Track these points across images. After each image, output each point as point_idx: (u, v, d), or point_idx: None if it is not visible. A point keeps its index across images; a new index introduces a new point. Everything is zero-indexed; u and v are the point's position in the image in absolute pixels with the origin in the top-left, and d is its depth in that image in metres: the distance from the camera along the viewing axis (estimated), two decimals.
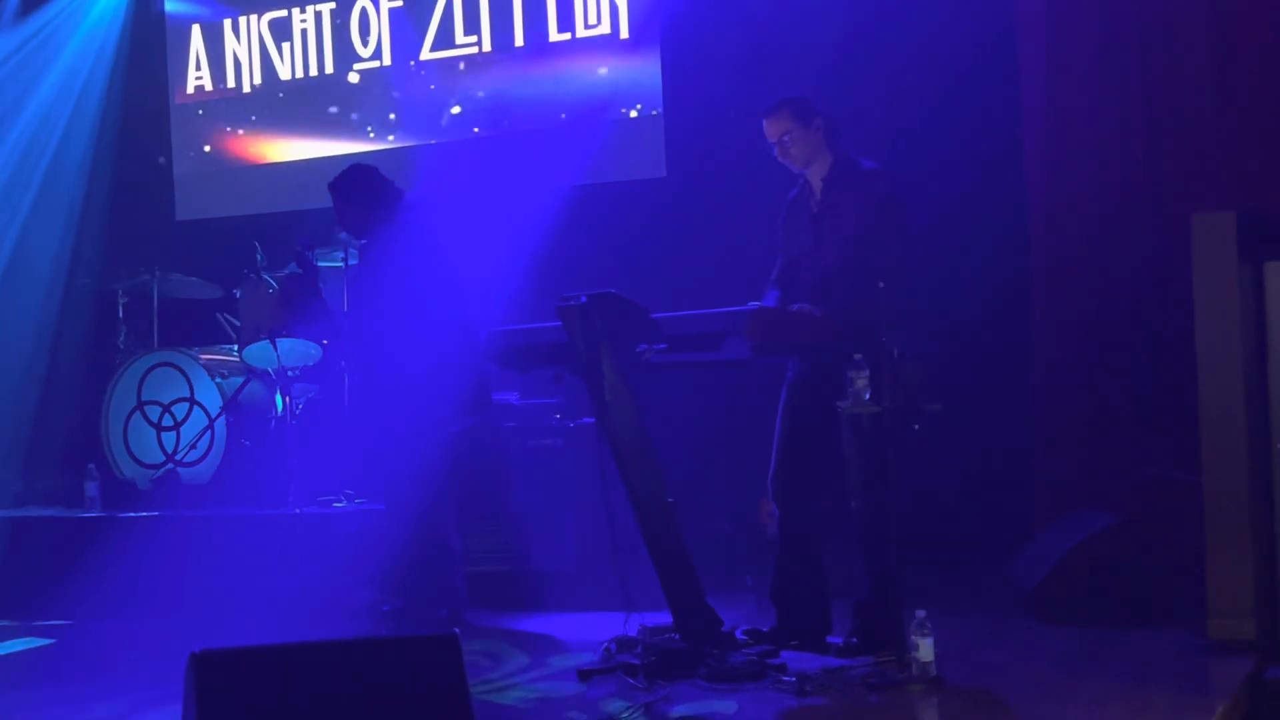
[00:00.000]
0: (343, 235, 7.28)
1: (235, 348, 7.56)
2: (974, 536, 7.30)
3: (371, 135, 8.88)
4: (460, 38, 8.61)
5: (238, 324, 7.49)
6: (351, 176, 6.41)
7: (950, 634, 5.14)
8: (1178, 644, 5.16)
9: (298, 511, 6.76)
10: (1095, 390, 6.66)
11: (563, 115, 8.34)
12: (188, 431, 7.39)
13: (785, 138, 5.38)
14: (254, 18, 9.24)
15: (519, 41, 8.47)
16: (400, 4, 8.79)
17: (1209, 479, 5.06)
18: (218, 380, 7.38)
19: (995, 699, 4.60)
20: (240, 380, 7.40)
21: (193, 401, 7.41)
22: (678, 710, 4.53)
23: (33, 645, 6.17)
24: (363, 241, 6.57)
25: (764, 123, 5.44)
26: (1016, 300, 7.04)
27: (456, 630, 3.61)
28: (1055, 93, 6.84)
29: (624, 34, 8.18)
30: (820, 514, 5.45)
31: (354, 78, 8.94)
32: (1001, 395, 7.26)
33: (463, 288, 6.26)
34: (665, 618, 5.34)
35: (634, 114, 8.15)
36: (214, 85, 9.39)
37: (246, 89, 9.29)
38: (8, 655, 6.00)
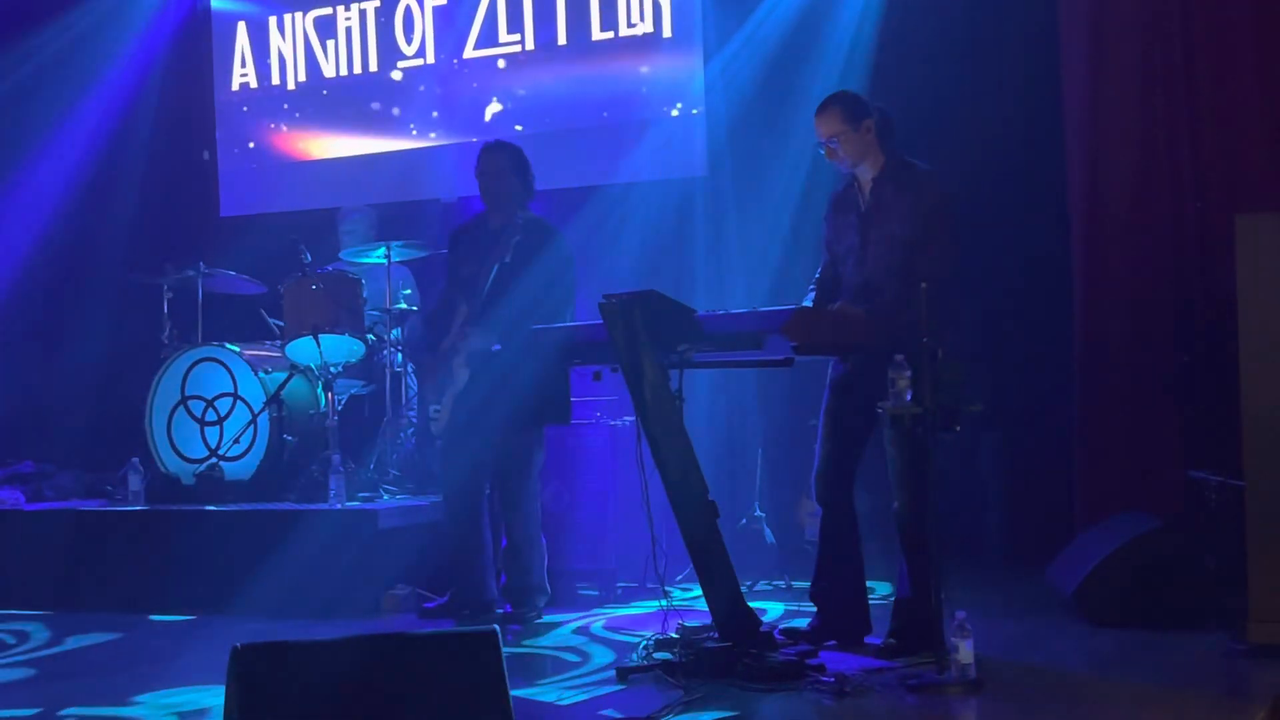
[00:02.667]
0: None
1: (279, 343, 7.61)
2: (1014, 538, 7.29)
3: (414, 132, 8.92)
4: (503, 36, 8.64)
5: (280, 320, 7.54)
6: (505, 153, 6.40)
7: (990, 636, 5.13)
8: (1218, 648, 5.12)
9: (339, 506, 6.80)
10: (1137, 392, 6.63)
11: (604, 114, 8.36)
12: (231, 426, 7.44)
13: (834, 140, 5.33)
14: (299, 15, 9.29)
15: (562, 40, 8.49)
16: (444, 2, 8.82)
17: (1251, 482, 5.02)
18: (261, 376, 7.42)
19: (1034, 701, 4.59)
20: (283, 376, 7.44)
21: (236, 397, 7.46)
22: (716, 710, 4.54)
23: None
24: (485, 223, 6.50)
25: (815, 120, 5.40)
26: (1057, 301, 7.01)
27: (496, 626, 3.62)
28: (1097, 92, 6.80)
29: (666, 33, 8.19)
30: (860, 514, 5.45)
31: (397, 75, 8.98)
32: (1043, 397, 7.24)
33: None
34: (704, 616, 5.35)
35: (675, 112, 8.16)
36: (259, 82, 9.45)
37: (291, 86, 9.35)
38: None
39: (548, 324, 5.92)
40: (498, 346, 6.12)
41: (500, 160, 6.36)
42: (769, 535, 7.01)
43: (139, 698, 5.02)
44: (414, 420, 7.49)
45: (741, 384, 7.59)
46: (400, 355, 7.58)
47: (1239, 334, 5.04)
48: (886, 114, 5.40)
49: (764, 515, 7.07)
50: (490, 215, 6.41)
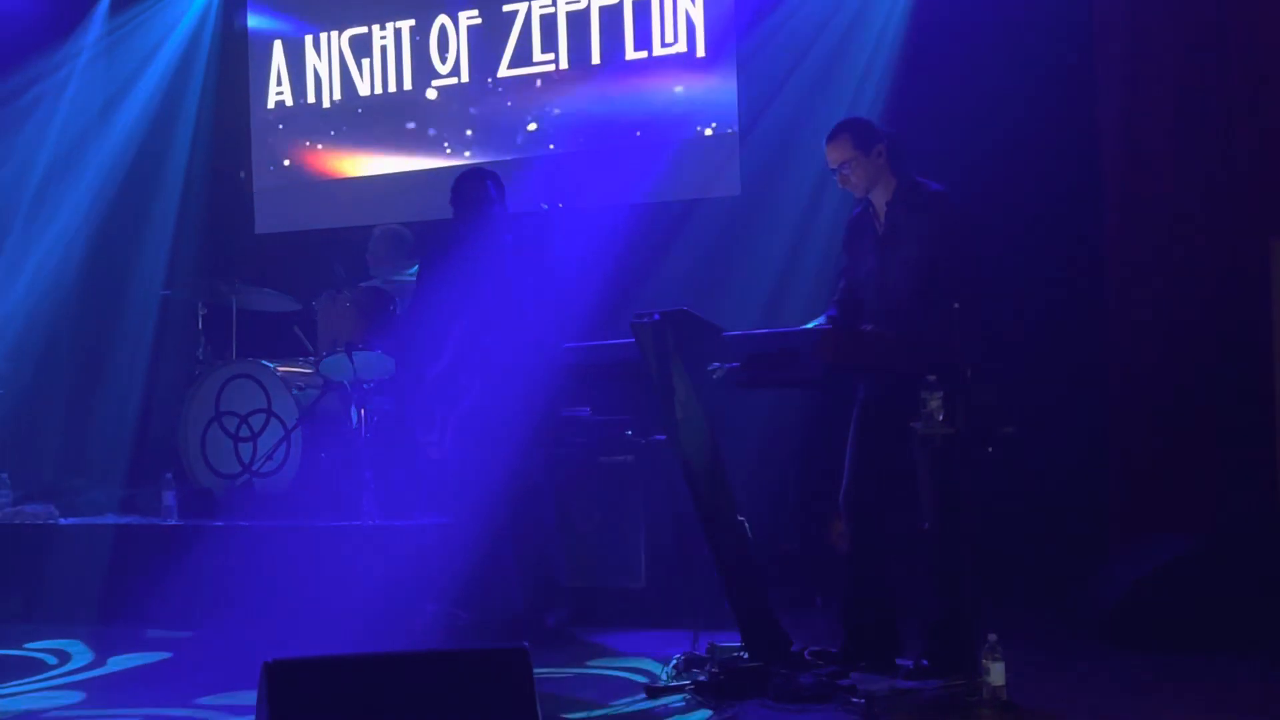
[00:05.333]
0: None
1: (312, 360, 7.64)
2: (1047, 559, 7.23)
3: (448, 151, 8.96)
4: (538, 55, 8.67)
5: (314, 337, 7.58)
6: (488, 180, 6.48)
7: (1022, 658, 5.09)
8: (1255, 673, 5.08)
9: (372, 523, 6.81)
10: (1171, 411, 6.58)
11: (638, 133, 8.37)
12: (264, 443, 7.47)
13: (845, 166, 5.34)
14: (335, 34, 9.35)
15: (596, 59, 8.51)
16: (479, 21, 8.86)
17: None
18: (294, 392, 7.45)
19: None
20: (317, 393, 7.47)
21: (270, 413, 7.49)
22: None
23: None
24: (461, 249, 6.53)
25: (826, 148, 5.41)
26: (1091, 320, 6.97)
27: (526, 644, 3.63)
28: (1132, 107, 6.77)
29: (700, 52, 8.20)
30: (891, 535, 5.42)
31: (432, 94, 9.02)
32: (1076, 416, 7.19)
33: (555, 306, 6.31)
34: (734, 636, 5.34)
35: (709, 132, 8.16)
36: (294, 100, 9.51)
37: (326, 104, 9.40)
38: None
39: (545, 341, 5.98)
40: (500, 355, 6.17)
41: (479, 186, 6.43)
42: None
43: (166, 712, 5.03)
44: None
45: (774, 403, 7.57)
46: None
47: (1273, 353, 5.01)
48: (897, 138, 5.41)
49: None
50: (472, 240, 6.42)
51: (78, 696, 5.50)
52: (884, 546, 5.37)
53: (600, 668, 5.64)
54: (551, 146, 8.55)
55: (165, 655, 6.22)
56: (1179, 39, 6.65)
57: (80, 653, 6.35)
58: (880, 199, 5.37)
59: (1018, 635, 5.56)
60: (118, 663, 6.15)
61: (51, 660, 6.23)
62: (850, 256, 5.51)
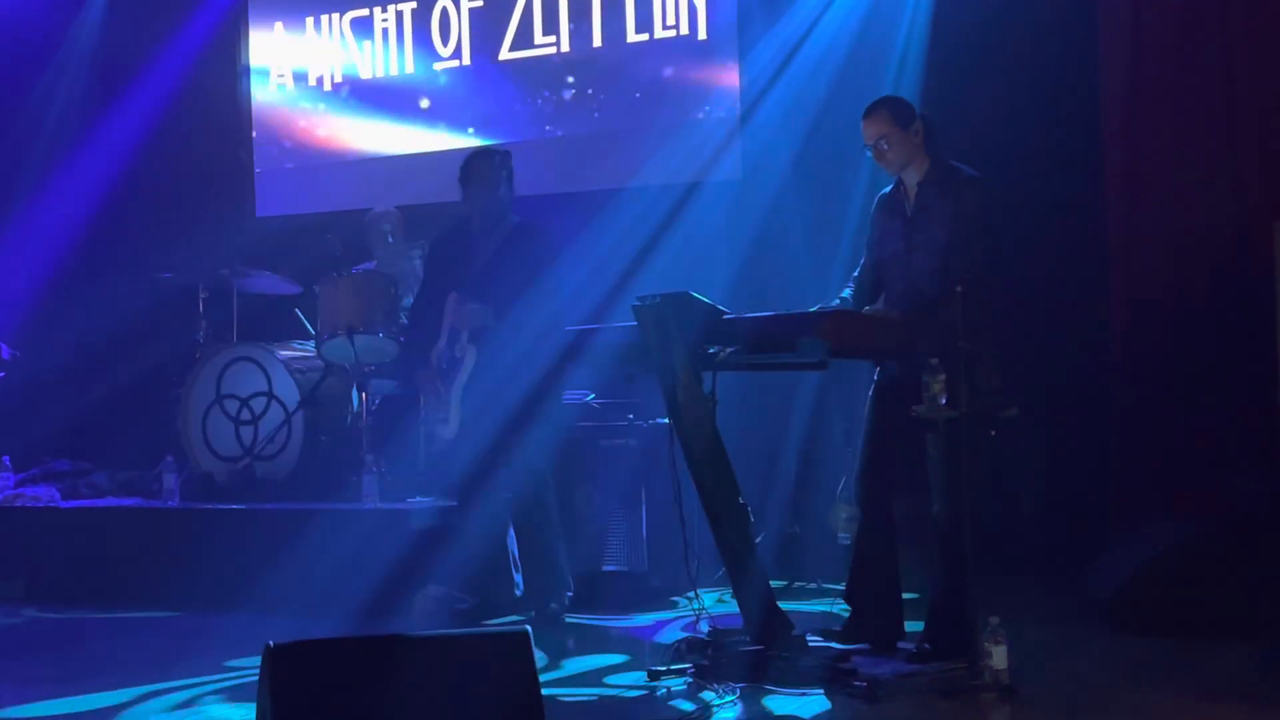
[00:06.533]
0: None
1: (313, 343, 7.63)
2: (1050, 544, 7.24)
3: (450, 134, 8.93)
4: (539, 38, 8.65)
5: (315, 320, 7.57)
6: (498, 159, 6.44)
7: (1024, 642, 5.10)
8: (1256, 659, 5.08)
9: (373, 506, 6.81)
10: (1174, 398, 6.58)
11: (639, 116, 8.35)
12: (265, 426, 7.47)
13: (882, 142, 5.30)
14: (336, 16, 9.33)
15: (597, 42, 8.49)
16: (480, 4, 8.84)
17: None
18: (295, 376, 7.45)
19: (1068, 709, 4.56)
20: (318, 376, 7.46)
21: (271, 396, 7.49)
22: (747, 713, 4.52)
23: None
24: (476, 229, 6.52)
25: (862, 123, 5.37)
26: (1094, 305, 6.97)
27: (528, 627, 3.62)
28: (1136, 93, 6.76)
29: (702, 35, 8.18)
30: (898, 518, 5.41)
31: (433, 76, 9.00)
32: (1079, 402, 7.19)
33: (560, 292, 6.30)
34: (736, 619, 5.34)
35: (711, 115, 8.14)
36: (295, 82, 9.49)
37: (327, 86, 9.39)
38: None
39: (543, 319, 5.98)
40: (495, 321, 6.16)
41: (490, 166, 6.39)
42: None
43: (167, 695, 5.04)
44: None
45: (776, 386, 7.57)
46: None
47: (1276, 337, 5.00)
48: (932, 120, 5.38)
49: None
50: (474, 220, 6.41)
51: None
52: (891, 530, 5.36)
53: (601, 651, 5.64)
54: (552, 130, 8.52)
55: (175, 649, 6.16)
56: (1182, 20, 6.63)
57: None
58: (912, 179, 5.34)
59: (1021, 619, 5.58)
60: (114, 643, 6.14)
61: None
62: (877, 232, 5.47)
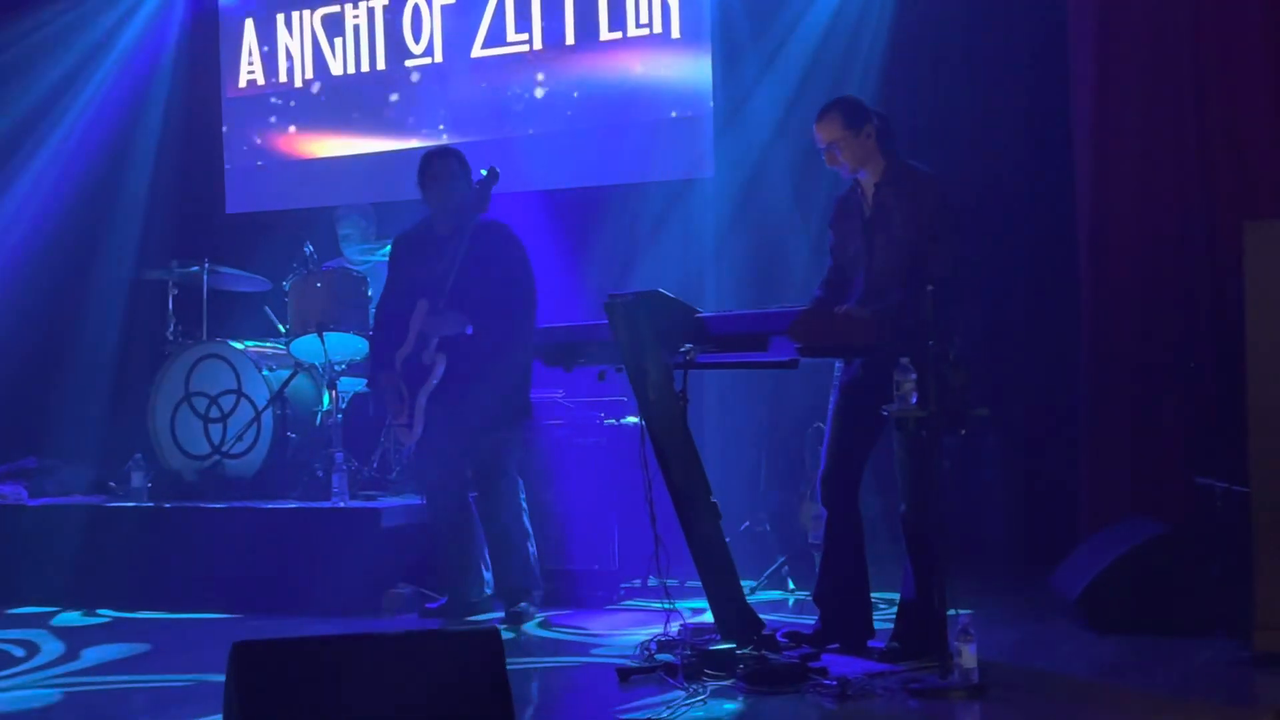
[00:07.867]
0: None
1: (283, 341, 7.60)
2: (1019, 542, 7.27)
3: (422, 132, 8.91)
4: (512, 35, 8.63)
5: (285, 318, 7.54)
6: (455, 158, 6.43)
7: (993, 640, 5.11)
8: (1223, 655, 5.10)
9: (342, 505, 6.78)
10: (1143, 398, 6.60)
11: (612, 114, 8.34)
12: (234, 424, 7.43)
13: (834, 145, 5.29)
14: (307, 13, 9.29)
15: (570, 40, 8.48)
16: (453, 1, 8.81)
17: (1258, 489, 5.00)
18: (265, 373, 7.41)
19: (1037, 707, 4.57)
20: (287, 373, 7.43)
21: (240, 394, 7.45)
22: (717, 712, 4.52)
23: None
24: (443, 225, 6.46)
25: (815, 127, 5.37)
26: (1064, 305, 6.99)
27: (498, 625, 3.61)
28: (1105, 97, 6.77)
29: (675, 34, 8.17)
30: (867, 517, 5.42)
31: (405, 74, 8.97)
32: (1049, 402, 7.22)
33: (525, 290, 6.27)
34: (706, 618, 5.33)
35: (684, 114, 8.14)
36: (266, 79, 9.45)
37: (298, 83, 9.34)
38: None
39: (511, 322, 5.98)
40: (470, 330, 6.12)
41: (451, 165, 6.37)
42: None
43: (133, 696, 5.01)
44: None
45: (746, 385, 7.57)
46: None
47: (1246, 339, 5.02)
48: (887, 119, 5.38)
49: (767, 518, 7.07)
50: (438, 220, 6.38)
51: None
52: (859, 529, 5.36)
53: (572, 650, 5.63)
54: (525, 128, 8.51)
55: (143, 648, 6.02)
56: (1151, 19, 6.65)
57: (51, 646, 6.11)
58: (868, 180, 5.33)
59: (990, 618, 5.59)
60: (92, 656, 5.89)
61: (19, 653, 5.94)
62: (838, 237, 5.47)
